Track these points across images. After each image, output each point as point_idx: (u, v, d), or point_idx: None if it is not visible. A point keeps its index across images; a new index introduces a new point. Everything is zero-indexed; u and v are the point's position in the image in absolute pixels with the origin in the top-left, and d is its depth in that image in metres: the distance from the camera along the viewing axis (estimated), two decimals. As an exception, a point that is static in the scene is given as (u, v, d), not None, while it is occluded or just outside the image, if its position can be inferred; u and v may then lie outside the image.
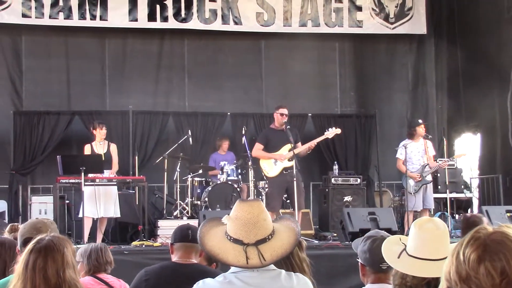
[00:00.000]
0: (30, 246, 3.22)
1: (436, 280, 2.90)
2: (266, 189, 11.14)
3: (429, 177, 11.56)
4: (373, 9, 14.76)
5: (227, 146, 13.30)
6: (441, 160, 12.13)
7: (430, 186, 11.64)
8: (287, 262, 3.83)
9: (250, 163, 11.75)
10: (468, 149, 14.73)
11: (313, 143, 10.77)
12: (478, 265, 1.97)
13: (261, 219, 3.09)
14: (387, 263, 3.20)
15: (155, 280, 4.23)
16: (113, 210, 10.74)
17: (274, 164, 10.68)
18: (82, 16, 13.56)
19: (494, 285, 1.94)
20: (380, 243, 3.41)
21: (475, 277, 1.97)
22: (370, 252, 3.57)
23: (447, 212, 12.21)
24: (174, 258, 4.43)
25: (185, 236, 4.42)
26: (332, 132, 11.03)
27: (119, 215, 10.94)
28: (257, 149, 10.94)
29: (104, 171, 10.71)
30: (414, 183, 11.37)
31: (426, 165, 11.53)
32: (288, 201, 11.31)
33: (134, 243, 10.28)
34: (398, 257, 3.06)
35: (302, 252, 3.85)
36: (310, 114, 14.38)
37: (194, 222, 10.46)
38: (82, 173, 10.03)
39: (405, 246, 3.10)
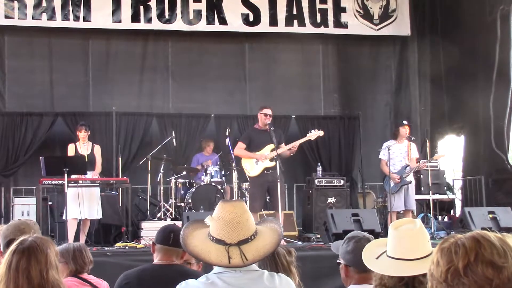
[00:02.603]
0: (13, 247, 3.24)
1: (413, 281, 2.93)
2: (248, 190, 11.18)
3: (409, 178, 11.61)
4: (357, 11, 14.81)
5: (212, 148, 13.31)
6: (422, 161, 12.18)
7: (411, 187, 11.68)
8: (272, 262, 3.88)
9: (233, 164, 11.76)
10: (451, 150, 14.82)
11: (295, 144, 10.74)
12: (434, 256, 2.06)
13: (243, 219, 3.10)
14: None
15: (135, 283, 4.22)
16: (96, 211, 10.70)
17: (255, 163, 10.66)
18: (65, 17, 13.49)
19: (440, 274, 2.00)
20: (365, 243, 3.43)
21: (431, 267, 2.05)
22: (354, 252, 3.58)
23: (430, 213, 12.25)
24: (156, 259, 4.41)
25: (166, 239, 4.39)
26: (314, 134, 11.00)
27: (101, 216, 10.92)
28: (239, 148, 10.91)
29: (88, 172, 10.67)
30: (394, 184, 11.43)
31: (406, 166, 11.59)
32: (270, 202, 11.29)
33: (117, 244, 10.27)
34: (377, 258, 3.08)
35: (291, 257, 3.93)
36: (294, 116, 14.42)
37: (177, 224, 10.45)
38: (65, 175, 9.98)
39: None
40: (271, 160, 10.54)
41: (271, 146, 10.57)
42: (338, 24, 14.74)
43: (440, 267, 2.00)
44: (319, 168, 13.14)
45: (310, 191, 12.70)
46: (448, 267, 1.98)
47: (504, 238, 2.03)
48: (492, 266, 1.94)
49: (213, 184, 12.08)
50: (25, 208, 12.18)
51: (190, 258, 4.63)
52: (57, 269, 3.26)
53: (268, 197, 11.01)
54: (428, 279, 2.09)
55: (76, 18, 13.56)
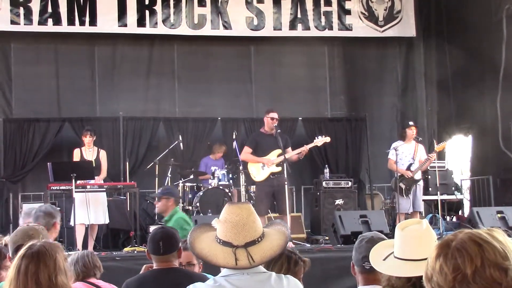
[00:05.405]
0: (22, 251, 3.27)
1: (421, 281, 2.92)
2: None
3: (417, 176, 11.59)
4: (362, 13, 14.78)
5: (221, 154, 13.28)
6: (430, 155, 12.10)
7: (420, 189, 11.65)
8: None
9: (241, 167, 11.76)
10: (459, 150, 14.79)
11: (304, 149, 10.77)
12: (434, 262, 2.01)
13: (250, 221, 3.10)
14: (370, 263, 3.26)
15: None
16: (103, 216, 10.72)
17: (261, 168, 10.68)
18: (71, 22, 13.51)
19: (447, 282, 1.96)
20: (366, 243, 3.49)
21: (434, 275, 2.01)
22: (355, 251, 3.64)
23: (438, 214, 12.22)
24: (154, 265, 4.40)
25: (157, 249, 4.37)
26: (321, 140, 11.06)
27: (108, 222, 10.94)
28: (245, 153, 10.94)
29: (93, 177, 10.71)
30: (405, 185, 11.38)
31: (411, 164, 11.58)
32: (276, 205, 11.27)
33: (126, 249, 10.28)
34: (384, 259, 3.07)
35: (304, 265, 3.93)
36: (301, 118, 14.39)
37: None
38: (73, 180, 10.00)
39: None
40: (278, 165, 10.56)
41: (278, 151, 10.59)
42: (342, 26, 14.71)
43: (447, 275, 1.96)
44: (327, 170, 13.13)
45: (318, 193, 12.69)
46: (455, 274, 1.95)
47: (495, 235, 2.02)
48: (499, 269, 1.93)
49: (221, 187, 12.07)
50: (33, 214, 12.17)
51: (192, 259, 4.63)
52: (65, 273, 3.28)
53: (275, 201, 11.00)
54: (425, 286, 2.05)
55: (82, 23, 13.57)
